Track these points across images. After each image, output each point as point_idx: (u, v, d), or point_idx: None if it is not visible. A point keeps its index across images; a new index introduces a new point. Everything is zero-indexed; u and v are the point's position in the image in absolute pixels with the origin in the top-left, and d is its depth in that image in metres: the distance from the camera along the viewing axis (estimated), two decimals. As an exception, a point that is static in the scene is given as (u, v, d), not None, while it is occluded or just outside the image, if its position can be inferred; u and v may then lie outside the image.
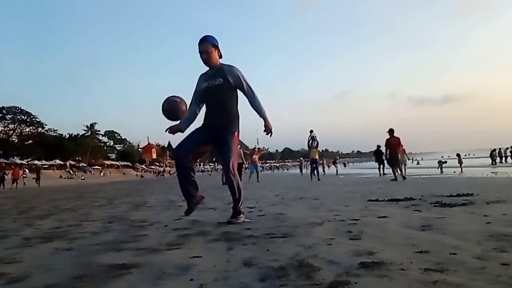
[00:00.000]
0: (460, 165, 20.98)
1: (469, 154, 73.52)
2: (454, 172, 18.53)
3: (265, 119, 3.55)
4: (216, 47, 3.52)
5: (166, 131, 3.59)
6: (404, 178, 11.79)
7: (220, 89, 3.49)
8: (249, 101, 3.55)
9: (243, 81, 3.52)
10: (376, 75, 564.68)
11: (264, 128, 3.57)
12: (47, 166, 59.08)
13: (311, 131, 15.43)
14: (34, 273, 1.95)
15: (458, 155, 21.62)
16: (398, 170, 12.18)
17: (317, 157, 15.79)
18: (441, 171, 20.89)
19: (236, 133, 3.56)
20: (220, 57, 3.57)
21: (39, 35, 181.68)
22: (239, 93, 3.60)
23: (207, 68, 3.59)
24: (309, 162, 16.80)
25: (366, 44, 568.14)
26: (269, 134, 3.59)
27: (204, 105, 3.63)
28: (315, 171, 15.53)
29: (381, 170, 17.85)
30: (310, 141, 15.31)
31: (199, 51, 3.49)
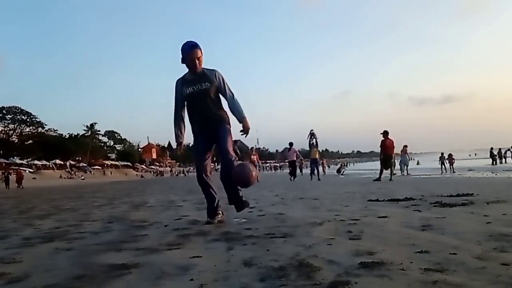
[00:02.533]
0: (451, 165, 21.00)
1: (475, 154, 72.69)
2: (455, 172, 18.55)
3: (244, 120, 3.53)
4: (202, 52, 3.51)
5: (178, 152, 3.81)
6: (391, 179, 11.86)
7: (207, 93, 3.49)
8: (229, 104, 3.58)
9: (225, 85, 3.56)
10: (377, 75, 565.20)
11: (241, 129, 3.55)
12: (42, 165, 59.10)
13: (311, 130, 15.68)
14: (34, 273, 1.95)
15: (450, 155, 21.64)
16: (389, 170, 12.47)
17: (317, 156, 15.87)
18: (442, 167, 20.90)
19: (229, 127, 3.60)
20: None
21: (40, 36, 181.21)
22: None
23: (184, 73, 3.56)
24: (309, 162, 16.97)
25: (366, 44, 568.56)
26: (245, 135, 3.56)
27: (190, 111, 3.60)
28: (315, 171, 15.56)
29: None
30: (309, 138, 15.51)
31: (192, 58, 3.44)
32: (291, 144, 15.85)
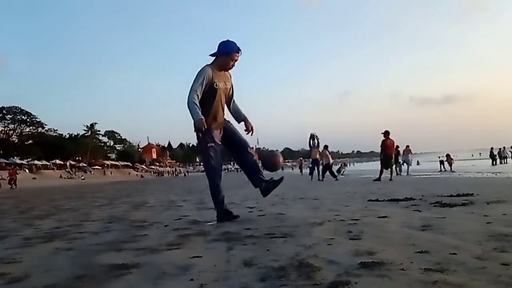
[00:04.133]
0: (450, 165, 21.06)
1: (480, 154, 71.85)
2: (454, 172, 18.55)
3: (246, 119, 3.77)
4: None
5: (202, 132, 3.38)
6: (391, 179, 11.84)
7: (229, 93, 3.68)
8: (233, 104, 3.77)
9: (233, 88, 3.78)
10: (378, 75, 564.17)
11: (245, 128, 3.76)
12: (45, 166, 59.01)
13: (311, 132, 15.63)
14: (34, 273, 1.95)
15: (447, 155, 21.70)
16: (389, 170, 12.44)
17: (318, 157, 15.78)
18: (442, 169, 20.93)
19: None
20: None
21: (40, 36, 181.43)
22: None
23: (209, 62, 3.53)
24: (309, 162, 16.92)
25: (367, 44, 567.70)
26: (251, 133, 3.77)
27: (211, 105, 3.50)
28: (317, 171, 15.47)
29: (397, 170, 17.93)
30: (310, 140, 15.45)
31: (236, 59, 3.53)
32: (325, 146, 15.80)
